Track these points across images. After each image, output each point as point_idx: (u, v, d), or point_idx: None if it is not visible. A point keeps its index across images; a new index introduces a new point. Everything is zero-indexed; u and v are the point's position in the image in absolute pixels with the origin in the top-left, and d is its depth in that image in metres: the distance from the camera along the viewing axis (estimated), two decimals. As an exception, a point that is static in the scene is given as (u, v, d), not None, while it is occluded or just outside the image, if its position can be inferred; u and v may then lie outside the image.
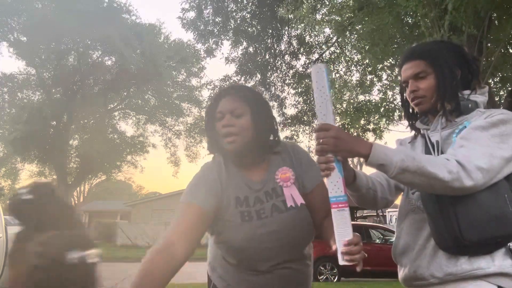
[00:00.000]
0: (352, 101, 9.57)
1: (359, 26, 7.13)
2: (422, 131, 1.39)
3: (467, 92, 1.29)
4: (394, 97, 9.14)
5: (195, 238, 1.17)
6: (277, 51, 9.12)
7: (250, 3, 8.45)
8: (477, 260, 1.12)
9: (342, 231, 1.06)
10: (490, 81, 7.02)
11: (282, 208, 1.29)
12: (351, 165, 1.32)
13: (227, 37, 8.77)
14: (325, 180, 1.12)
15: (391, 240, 8.96)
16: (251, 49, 8.99)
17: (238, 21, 8.57)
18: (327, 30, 9.48)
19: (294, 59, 9.48)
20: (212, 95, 9.71)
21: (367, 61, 8.26)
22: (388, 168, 1.09)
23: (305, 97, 9.85)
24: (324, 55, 9.71)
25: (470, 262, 1.12)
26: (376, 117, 9.24)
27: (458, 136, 1.20)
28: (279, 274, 1.30)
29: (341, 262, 1.05)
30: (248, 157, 1.33)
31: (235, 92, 1.33)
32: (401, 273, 1.31)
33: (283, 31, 9.06)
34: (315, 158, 1.18)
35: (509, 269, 1.10)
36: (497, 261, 1.11)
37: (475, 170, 1.06)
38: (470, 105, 1.26)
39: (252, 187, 1.32)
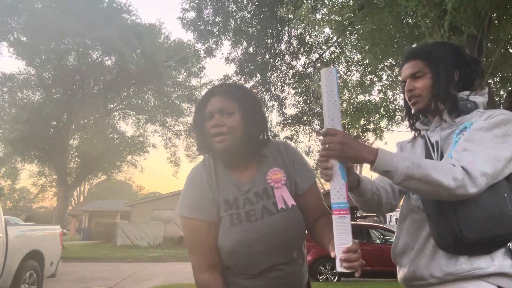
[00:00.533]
0: (352, 101, 9.56)
1: (359, 26, 7.13)
2: (422, 132, 1.39)
3: (467, 92, 1.29)
4: (394, 97, 9.15)
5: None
6: (277, 51, 9.11)
7: (250, 3, 8.44)
8: (477, 260, 1.12)
9: (342, 238, 1.05)
10: (490, 81, 7.02)
11: (273, 210, 1.27)
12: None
13: (227, 37, 8.76)
14: (328, 185, 1.11)
15: (391, 240, 8.95)
16: (251, 49, 8.98)
17: (238, 21, 8.56)
18: (327, 30, 9.49)
19: (294, 59, 9.47)
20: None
21: (367, 61, 8.25)
22: (394, 174, 1.09)
23: (305, 97, 9.85)
24: (324, 55, 9.70)
25: (470, 262, 1.12)
26: (376, 117, 9.24)
27: (461, 138, 1.20)
28: (271, 277, 1.28)
29: (339, 269, 1.05)
30: (238, 156, 1.29)
31: (224, 90, 1.30)
32: (401, 273, 1.31)
33: (283, 31, 9.05)
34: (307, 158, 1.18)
35: (509, 269, 1.10)
36: (497, 261, 1.11)
37: (480, 176, 1.07)
38: (469, 106, 1.27)
39: (241, 188, 1.30)
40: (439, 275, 1.16)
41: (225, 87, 1.32)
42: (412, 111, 1.42)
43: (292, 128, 10.29)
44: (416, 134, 1.43)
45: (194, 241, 1.27)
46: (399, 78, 1.44)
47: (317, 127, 9.73)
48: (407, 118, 1.46)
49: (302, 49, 9.44)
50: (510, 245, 1.13)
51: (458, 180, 1.06)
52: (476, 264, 1.11)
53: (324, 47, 9.71)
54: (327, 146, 1.08)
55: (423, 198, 1.23)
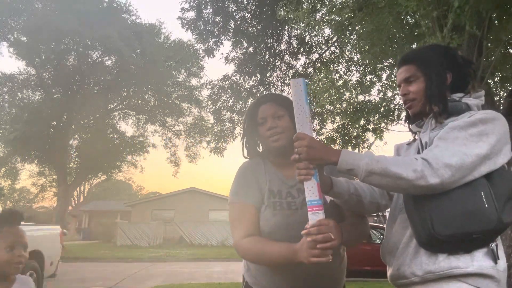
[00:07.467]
0: (352, 101, 9.54)
1: (359, 26, 7.12)
2: (417, 133, 1.42)
3: (460, 94, 1.31)
4: (394, 97, 9.14)
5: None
6: (277, 51, 9.10)
7: (250, 3, 8.44)
8: (456, 259, 1.12)
9: None
10: (490, 81, 7.01)
11: None
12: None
13: (227, 37, 8.75)
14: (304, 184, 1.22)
15: (391, 240, 8.94)
16: (251, 49, 8.97)
17: (238, 21, 8.56)
18: (327, 30, 9.47)
19: (294, 59, 9.46)
20: (211, 95, 9.70)
21: (367, 61, 8.24)
22: (357, 172, 1.15)
23: (305, 97, 9.78)
24: (324, 55, 9.69)
25: (449, 261, 1.12)
26: (376, 117, 9.23)
27: (437, 136, 1.22)
28: (306, 270, 1.34)
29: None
30: (288, 154, 1.39)
31: (272, 98, 1.53)
32: (388, 272, 1.33)
33: (283, 31, 9.05)
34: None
35: (489, 270, 1.10)
36: (477, 261, 1.11)
37: (443, 167, 1.08)
38: (461, 107, 1.28)
39: (286, 182, 1.47)
40: (419, 274, 1.17)
41: (272, 96, 1.56)
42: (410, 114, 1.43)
43: (292, 128, 10.26)
44: (414, 136, 1.45)
45: (238, 217, 1.45)
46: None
47: (317, 127, 9.72)
48: (406, 121, 1.48)
49: (302, 49, 9.44)
50: (492, 245, 1.12)
51: (418, 171, 1.08)
52: (454, 263, 1.12)
53: (324, 47, 9.70)
54: (296, 150, 1.18)
55: (404, 196, 1.25)
